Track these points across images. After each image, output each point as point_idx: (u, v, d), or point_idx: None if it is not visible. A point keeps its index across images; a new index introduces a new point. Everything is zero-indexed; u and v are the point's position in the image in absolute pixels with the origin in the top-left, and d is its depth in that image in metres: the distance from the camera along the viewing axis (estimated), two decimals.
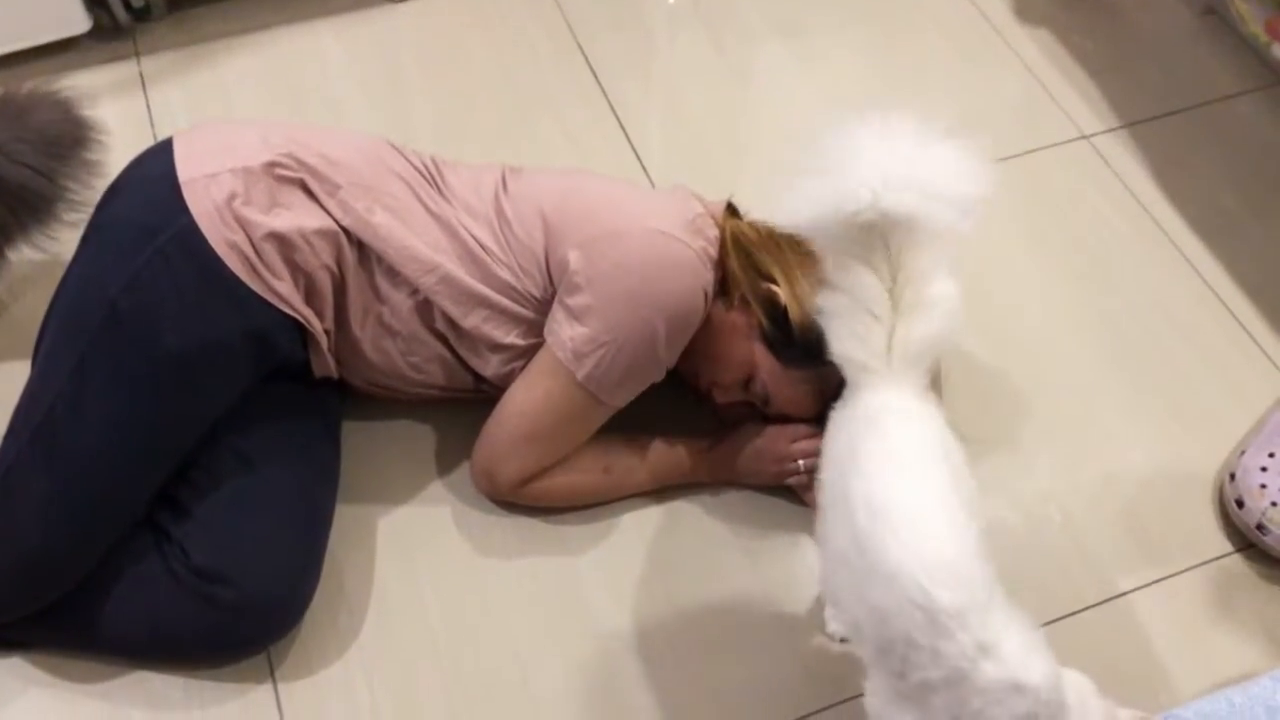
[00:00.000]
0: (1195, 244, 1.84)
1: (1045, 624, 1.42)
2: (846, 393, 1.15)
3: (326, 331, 1.38)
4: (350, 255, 1.34)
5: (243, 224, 1.28)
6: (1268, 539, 1.49)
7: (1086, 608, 1.46)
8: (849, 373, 1.14)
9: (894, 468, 1.05)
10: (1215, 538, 1.54)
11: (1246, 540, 1.52)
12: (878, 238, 1.08)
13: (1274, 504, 1.50)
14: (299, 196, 1.32)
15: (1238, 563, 1.52)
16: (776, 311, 1.39)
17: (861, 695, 1.33)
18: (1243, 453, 1.57)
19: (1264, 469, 1.53)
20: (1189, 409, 1.66)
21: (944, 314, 1.12)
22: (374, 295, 1.37)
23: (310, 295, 1.34)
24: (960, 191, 1.06)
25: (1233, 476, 1.54)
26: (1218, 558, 1.52)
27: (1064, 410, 1.64)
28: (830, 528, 1.10)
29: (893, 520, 1.01)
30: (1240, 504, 1.52)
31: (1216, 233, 1.86)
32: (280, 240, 1.29)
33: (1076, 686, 1.01)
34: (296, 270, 1.32)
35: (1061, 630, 1.43)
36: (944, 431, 1.11)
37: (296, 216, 1.30)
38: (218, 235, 1.26)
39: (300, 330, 1.35)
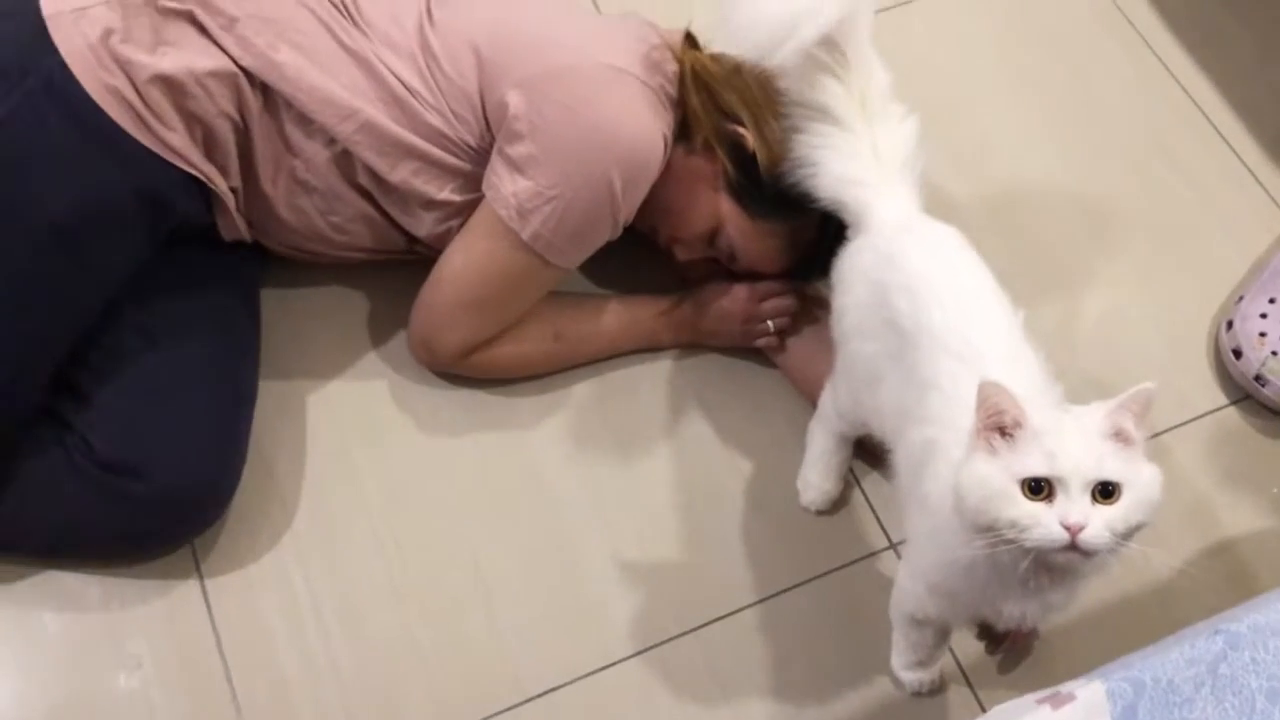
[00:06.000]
0: (1193, 70, 1.70)
1: None
2: (853, 225, 1.17)
3: (233, 190, 1.22)
4: (253, 101, 1.17)
5: (122, 65, 1.11)
6: (1266, 390, 1.41)
7: None
8: (849, 198, 1.15)
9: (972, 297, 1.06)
10: (1209, 390, 1.45)
11: (1243, 392, 1.44)
12: (830, 48, 1.11)
13: (1274, 353, 1.41)
14: (188, 32, 1.15)
15: (1232, 416, 1.44)
16: (743, 156, 1.26)
17: (836, 570, 1.28)
18: (1240, 298, 1.47)
19: (1264, 316, 1.44)
20: (1179, 250, 1.55)
21: (914, 121, 1.17)
22: (284, 147, 1.21)
23: (210, 148, 1.18)
24: None
25: (1229, 324, 1.45)
26: (1211, 411, 1.44)
27: (1041, 251, 1.53)
28: (878, 358, 1.09)
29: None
30: (1238, 354, 1.43)
31: (1215, 59, 1.71)
32: (168, 84, 1.12)
33: None
34: (191, 119, 1.15)
35: None
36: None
37: (186, 56, 1.13)
38: (93, 78, 1.10)
39: (202, 189, 1.20)
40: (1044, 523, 0.84)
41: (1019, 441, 0.86)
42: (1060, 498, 0.84)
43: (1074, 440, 0.85)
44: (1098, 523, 0.84)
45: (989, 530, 0.86)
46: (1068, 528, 0.83)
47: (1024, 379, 0.96)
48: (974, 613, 1.04)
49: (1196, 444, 1.41)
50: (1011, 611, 0.95)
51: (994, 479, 0.86)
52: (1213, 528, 1.35)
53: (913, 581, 1.06)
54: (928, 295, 1.04)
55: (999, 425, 0.87)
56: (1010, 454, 0.86)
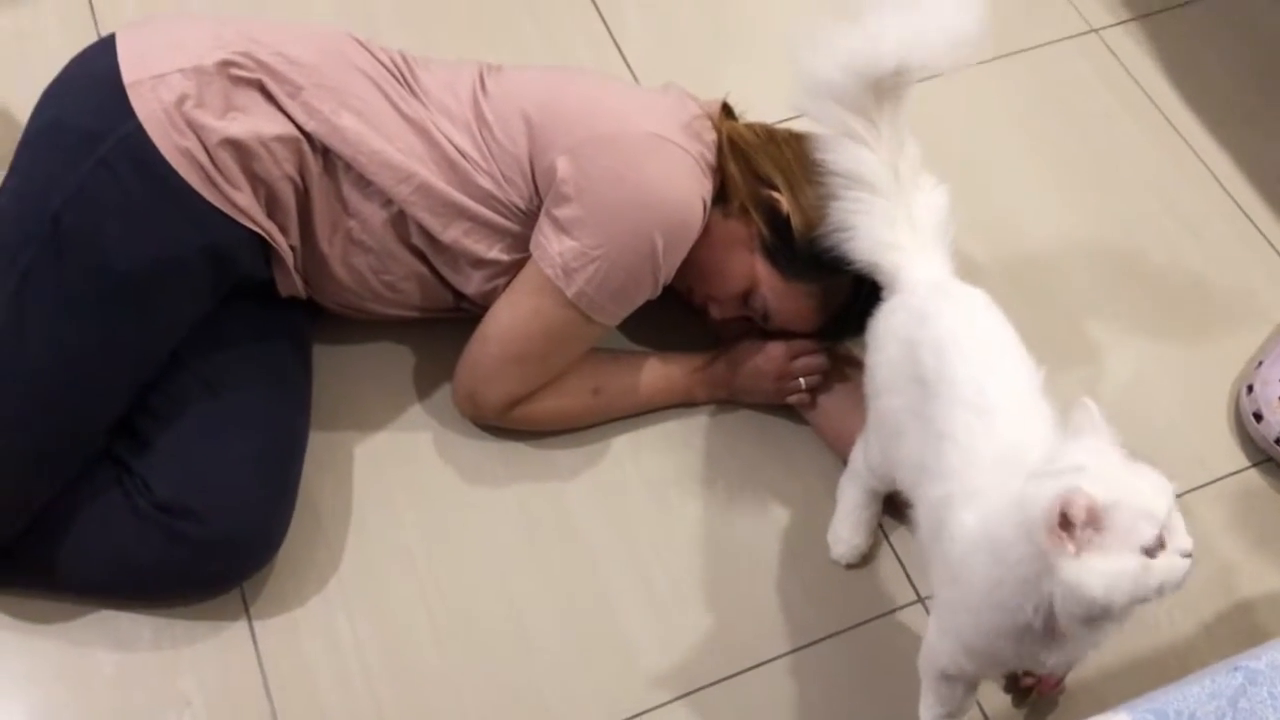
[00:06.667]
0: (1208, 141, 1.76)
1: None
2: (887, 286, 1.22)
3: (292, 248, 1.28)
4: (314, 164, 1.23)
5: (195, 129, 1.17)
6: None
7: None
8: (885, 260, 1.20)
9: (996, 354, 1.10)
10: (1230, 452, 1.48)
11: (1264, 455, 1.47)
12: (872, 103, 1.17)
13: None
14: (256, 99, 1.21)
15: (1254, 478, 1.46)
16: (777, 219, 1.31)
17: (866, 622, 1.31)
18: (1260, 363, 1.51)
19: None
20: (1201, 317, 1.59)
21: (944, 189, 1.22)
22: (342, 208, 1.27)
23: (272, 208, 1.24)
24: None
25: (1250, 389, 1.48)
26: (1232, 473, 1.47)
27: (1061, 315, 1.57)
28: (902, 412, 1.13)
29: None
30: (1258, 417, 1.46)
31: (1231, 130, 1.77)
32: (237, 147, 1.18)
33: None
34: (256, 180, 1.21)
35: None
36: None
37: (254, 121, 1.19)
38: (168, 141, 1.15)
39: (263, 246, 1.25)
40: (1177, 566, 0.87)
41: (1110, 522, 0.86)
42: (1168, 536, 0.87)
43: (1142, 485, 0.88)
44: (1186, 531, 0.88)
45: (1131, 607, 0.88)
46: (1189, 554, 0.88)
47: (1037, 433, 0.99)
48: (1014, 666, 1.06)
49: (1218, 506, 1.43)
50: (1058, 659, 0.98)
51: (1125, 566, 0.86)
52: (1234, 587, 1.37)
53: (947, 642, 1.08)
54: (953, 350, 1.08)
55: (1090, 524, 0.87)
56: (1115, 536, 0.86)
